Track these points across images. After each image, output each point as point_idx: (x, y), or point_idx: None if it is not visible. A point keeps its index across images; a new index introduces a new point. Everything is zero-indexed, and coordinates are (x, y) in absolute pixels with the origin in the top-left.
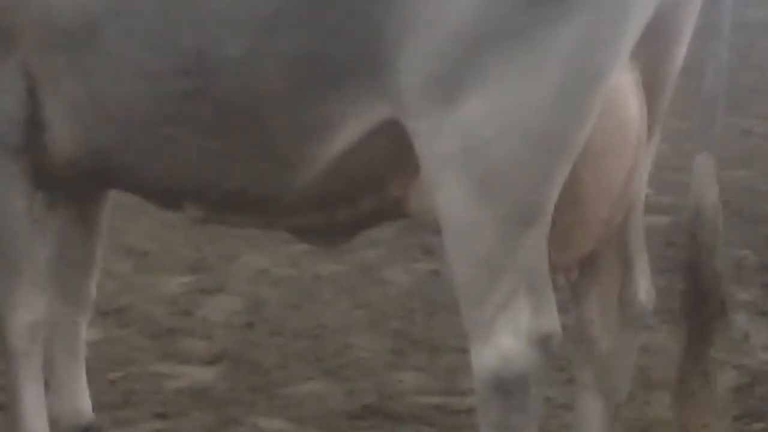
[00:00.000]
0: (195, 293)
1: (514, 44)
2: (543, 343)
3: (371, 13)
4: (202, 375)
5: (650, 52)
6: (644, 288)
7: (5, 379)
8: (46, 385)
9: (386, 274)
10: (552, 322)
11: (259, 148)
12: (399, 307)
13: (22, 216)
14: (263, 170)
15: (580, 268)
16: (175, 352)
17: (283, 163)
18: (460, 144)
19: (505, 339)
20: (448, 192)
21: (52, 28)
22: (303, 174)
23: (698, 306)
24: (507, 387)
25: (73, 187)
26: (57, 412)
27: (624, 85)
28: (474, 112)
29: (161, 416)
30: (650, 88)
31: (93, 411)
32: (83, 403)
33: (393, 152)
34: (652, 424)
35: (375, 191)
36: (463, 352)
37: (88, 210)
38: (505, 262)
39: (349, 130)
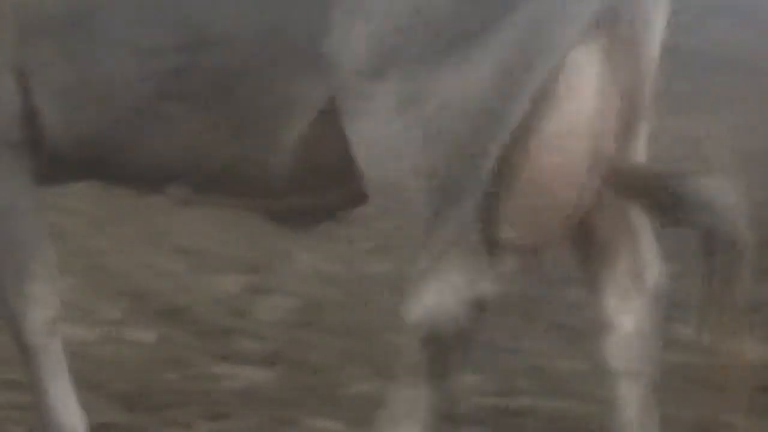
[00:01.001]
0: (249, 293)
1: (448, 26)
2: (467, 303)
3: None
4: (257, 375)
5: (615, 38)
6: (652, 263)
7: (31, 377)
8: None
9: None
10: (481, 286)
11: (241, 125)
12: None
13: (29, 213)
14: (246, 148)
15: (591, 256)
16: (229, 353)
17: (263, 140)
18: (397, 120)
19: (432, 294)
20: (384, 165)
21: (39, 13)
22: (282, 152)
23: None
24: (428, 338)
25: (64, 183)
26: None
27: (583, 70)
28: (415, 90)
29: (215, 417)
30: (625, 74)
31: (148, 411)
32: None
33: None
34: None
35: (346, 175)
36: (521, 353)
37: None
38: (438, 228)
39: (306, 112)
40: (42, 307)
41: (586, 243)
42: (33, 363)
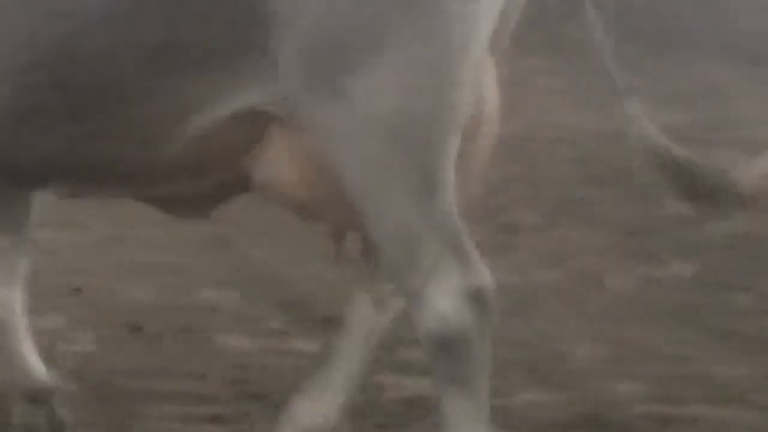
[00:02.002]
0: None
1: (392, 29)
2: (476, 297)
3: (242, 2)
4: (422, 385)
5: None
6: None
7: None
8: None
9: (605, 280)
10: (481, 277)
11: (122, 130)
12: (616, 314)
13: None
14: (127, 149)
15: None
16: (394, 363)
17: (146, 142)
18: (356, 127)
19: (440, 301)
20: (352, 174)
21: None
22: (165, 152)
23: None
24: (450, 344)
25: None
26: (9, 380)
27: (488, 72)
28: (361, 99)
29: (382, 427)
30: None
31: None
32: (34, 368)
33: (250, 134)
34: None
35: (228, 168)
36: (680, 359)
37: (13, 194)
38: (424, 230)
39: (209, 114)
40: None
41: None
42: None
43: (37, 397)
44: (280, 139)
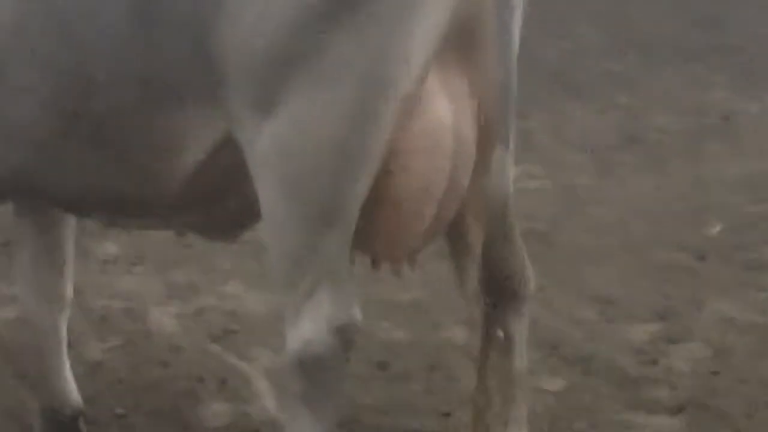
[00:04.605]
0: (661, 341)
1: (311, 61)
2: (341, 330)
3: (199, 38)
4: (667, 424)
5: (459, 57)
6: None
7: None
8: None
9: None
10: (350, 313)
11: (128, 160)
12: None
13: None
14: (138, 179)
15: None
16: (638, 402)
17: (149, 173)
18: (274, 151)
19: (308, 324)
20: (264, 192)
21: None
22: (169, 182)
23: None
24: (307, 366)
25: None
26: (44, 404)
27: (429, 91)
28: (284, 123)
29: None
30: (477, 94)
31: None
32: (69, 393)
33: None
34: None
35: (238, 192)
36: None
37: (55, 219)
38: (310, 257)
39: (195, 146)
40: None
41: None
42: None
43: (66, 422)
44: None
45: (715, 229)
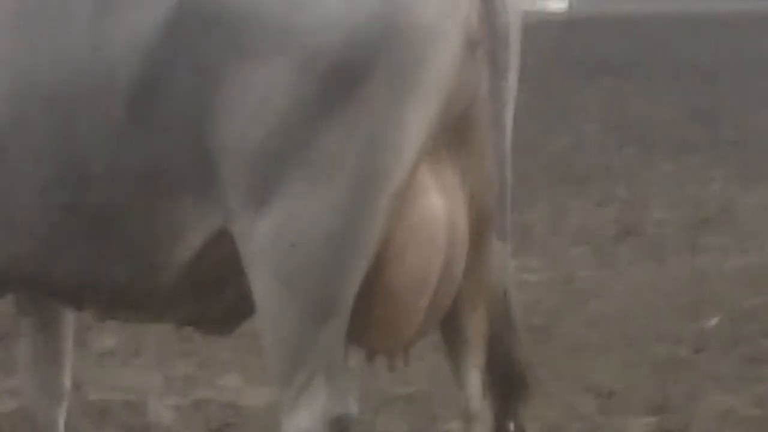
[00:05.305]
0: None
1: (304, 155)
2: (336, 423)
3: (196, 133)
4: None
5: (451, 150)
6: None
7: None
8: None
9: None
10: (345, 406)
11: (124, 253)
12: None
13: None
14: (134, 270)
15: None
16: None
17: (146, 264)
18: (268, 244)
19: (304, 416)
20: (258, 285)
21: None
22: (165, 275)
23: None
24: None
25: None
26: None
27: (422, 184)
28: (278, 216)
29: None
30: (471, 186)
31: None
32: None
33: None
34: None
35: (234, 284)
36: None
37: (53, 314)
38: (305, 349)
39: (191, 239)
40: None
41: None
42: None
43: None
44: None
45: (713, 321)
